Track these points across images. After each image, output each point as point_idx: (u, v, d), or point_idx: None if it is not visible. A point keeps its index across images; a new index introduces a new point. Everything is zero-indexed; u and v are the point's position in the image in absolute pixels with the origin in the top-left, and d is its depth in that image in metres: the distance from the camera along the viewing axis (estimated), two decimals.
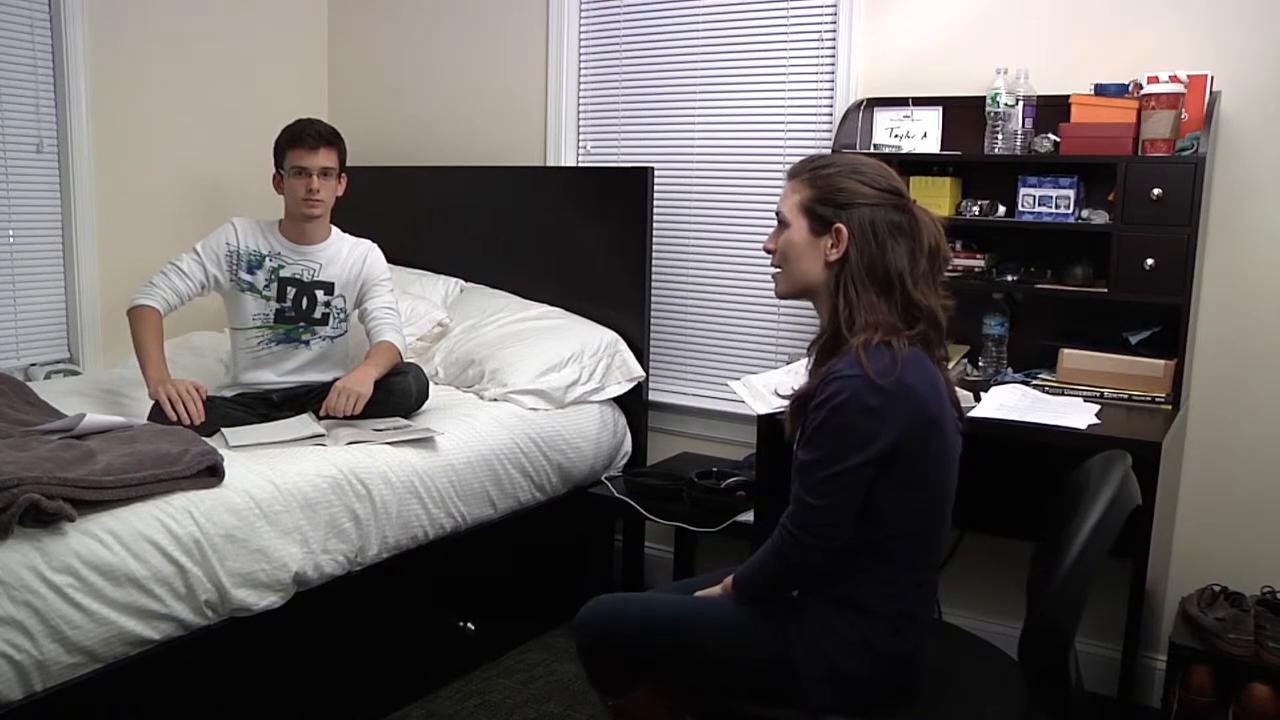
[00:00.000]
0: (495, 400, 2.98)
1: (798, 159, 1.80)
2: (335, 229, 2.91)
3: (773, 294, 1.83)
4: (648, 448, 3.35)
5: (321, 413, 2.63)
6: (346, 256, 2.88)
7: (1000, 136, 2.62)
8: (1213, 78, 2.44)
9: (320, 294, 2.84)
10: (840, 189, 1.69)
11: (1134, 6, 2.62)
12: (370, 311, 2.86)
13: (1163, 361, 2.45)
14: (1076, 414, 2.33)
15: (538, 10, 3.58)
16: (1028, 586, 1.75)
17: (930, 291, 1.68)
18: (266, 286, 2.79)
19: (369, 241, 2.95)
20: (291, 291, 2.81)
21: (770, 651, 1.69)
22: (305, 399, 2.79)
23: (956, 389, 1.77)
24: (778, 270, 1.78)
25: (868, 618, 1.66)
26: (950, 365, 1.93)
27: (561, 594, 3.08)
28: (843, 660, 1.65)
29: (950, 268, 1.77)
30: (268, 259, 2.80)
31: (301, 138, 2.74)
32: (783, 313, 3.22)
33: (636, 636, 1.79)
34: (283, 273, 2.80)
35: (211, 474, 2.15)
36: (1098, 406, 2.41)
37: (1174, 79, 2.41)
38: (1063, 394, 2.51)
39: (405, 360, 2.84)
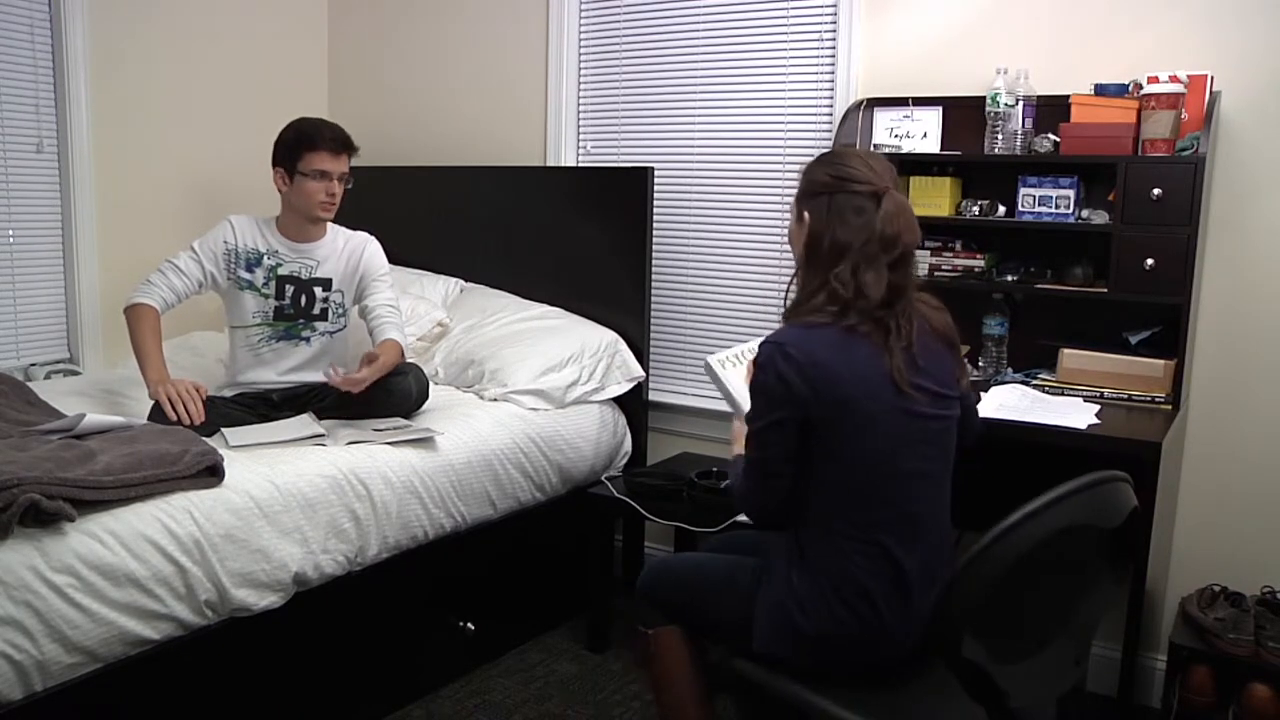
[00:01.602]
0: (495, 400, 2.98)
1: (798, 159, 1.83)
2: (331, 224, 2.90)
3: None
4: (648, 448, 3.35)
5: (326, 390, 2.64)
6: (343, 250, 2.88)
7: (1000, 136, 2.62)
8: (1213, 78, 2.44)
9: (319, 290, 2.83)
10: (812, 180, 1.83)
11: (1134, 6, 2.63)
12: (371, 309, 2.86)
13: (1163, 361, 2.45)
14: (1076, 414, 2.33)
15: (538, 10, 3.59)
16: None
17: (873, 274, 1.72)
18: (265, 284, 2.79)
19: (366, 234, 2.94)
20: (290, 289, 2.80)
21: (745, 608, 1.82)
22: (305, 399, 2.79)
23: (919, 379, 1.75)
24: None
25: (814, 578, 1.73)
26: None
27: (561, 594, 3.08)
28: (797, 617, 1.73)
29: (910, 257, 1.80)
30: (265, 257, 2.79)
31: (323, 141, 2.71)
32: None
33: (663, 587, 2.03)
34: (281, 270, 2.80)
35: (211, 474, 2.15)
36: (1098, 406, 2.42)
37: (1174, 79, 2.41)
38: (1063, 394, 2.51)
39: (405, 360, 2.84)
